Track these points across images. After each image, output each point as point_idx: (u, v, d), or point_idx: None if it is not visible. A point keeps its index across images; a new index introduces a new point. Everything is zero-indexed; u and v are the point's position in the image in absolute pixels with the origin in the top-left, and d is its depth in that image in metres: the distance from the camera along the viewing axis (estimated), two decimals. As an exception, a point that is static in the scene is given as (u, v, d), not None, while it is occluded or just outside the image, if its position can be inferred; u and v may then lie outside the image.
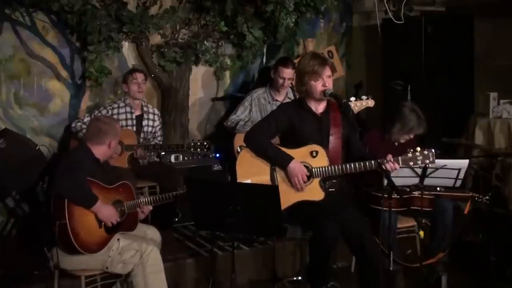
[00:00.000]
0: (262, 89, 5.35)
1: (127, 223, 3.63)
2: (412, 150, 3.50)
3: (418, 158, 3.48)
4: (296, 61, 5.08)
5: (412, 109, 4.24)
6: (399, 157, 3.49)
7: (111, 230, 3.52)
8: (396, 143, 4.26)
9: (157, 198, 3.80)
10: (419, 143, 3.91)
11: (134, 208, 3.67)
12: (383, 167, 3.45)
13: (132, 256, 3.49)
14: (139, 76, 4.85)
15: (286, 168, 3.56)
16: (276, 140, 3.78)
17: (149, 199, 3.76)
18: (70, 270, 3.53)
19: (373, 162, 3.50)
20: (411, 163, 3.50)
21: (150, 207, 3.77)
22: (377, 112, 4.74)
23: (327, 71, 3.59)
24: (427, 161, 3.49)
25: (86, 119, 4.83)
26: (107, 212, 3.47)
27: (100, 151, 3.65)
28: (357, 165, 3.53)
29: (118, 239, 3.52)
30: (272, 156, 3.61)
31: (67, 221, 3.33)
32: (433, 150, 3.49)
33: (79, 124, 4.80)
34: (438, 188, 4.09)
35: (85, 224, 3.42)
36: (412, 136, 4.26)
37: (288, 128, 3.68)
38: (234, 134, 5.14)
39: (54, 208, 3.39)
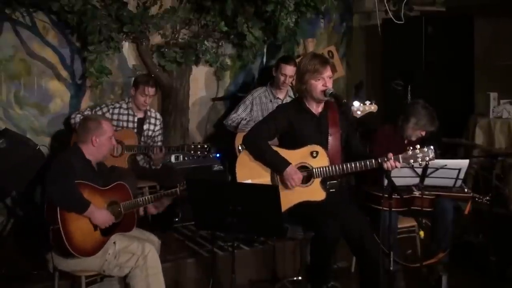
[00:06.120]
0: (262, 88, 5.34)
1: (124, 224, 3.60)
2: (412, 147, 3.51)
3: (418, 155, 3.49)
4: (297, 60, 5.09)
5: (425, 106, 4.31)
6: (399, 155, 3.49)
7: (107, 232, 3.49)
8: (406, 141, 4.28)
9: (156, 196, 3.75)
10: (419, 143, 3.92)
11: (131, 208, 3.64)
12: (384, 165, 3.46)
13: (128, 259, 3.47)
14: (151, 91, 4.80)
15: (282, 173, 3.56)
16: (274, 141, 3.77)
17: (148, 198, 3.72)
18: (69, 271, 3.52)
19: (373, 161, 3.51)
20: (412, 161, 3.50)
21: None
22: (377, 112, 4.74)
23: (328, 71, 3.59)
24: (427, 158, 3.50)
25: (87, 112, 4.82)
26: (101, 216, 3.44)
27: (88, 151, 3.59)
28: (357, 164, 3.53)
29: (114, 242, 3.49)
30: (269, 160, 3.61)
31: (60, 226, 3.31)
32: (432, 148, 3.50)
33: (78, 116, 4.78)
34: (466, 190, 4.16)
35: (79, 228, 3.38)
36: (423, 134, 4.29)
37: (287, 129, 3.67)
38: (234, 134, 5.14)
39: (47, 213, 3.37)
